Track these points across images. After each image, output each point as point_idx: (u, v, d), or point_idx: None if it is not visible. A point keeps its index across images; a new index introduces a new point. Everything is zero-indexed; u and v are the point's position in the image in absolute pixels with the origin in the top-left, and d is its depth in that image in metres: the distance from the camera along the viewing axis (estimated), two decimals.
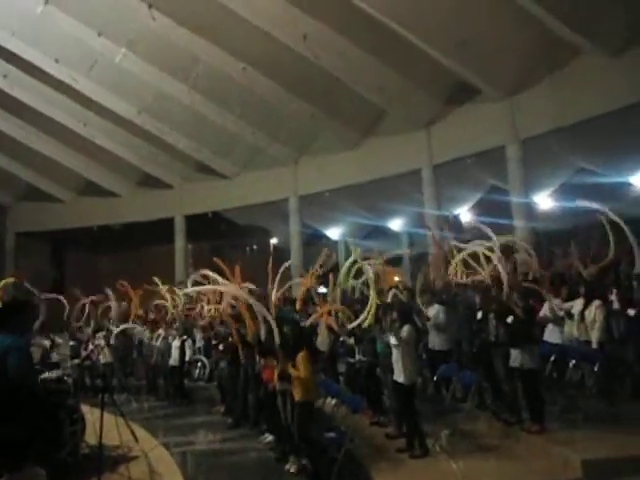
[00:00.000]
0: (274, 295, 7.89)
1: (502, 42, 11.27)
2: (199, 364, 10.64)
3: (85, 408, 6.53)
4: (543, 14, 10.06)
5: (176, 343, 9.47)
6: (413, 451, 5.57)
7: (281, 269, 8.68)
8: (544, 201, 14.20)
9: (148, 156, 17.54)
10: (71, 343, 11.53)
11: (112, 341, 10.24)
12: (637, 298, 6.24)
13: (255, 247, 18.65)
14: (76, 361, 10.03)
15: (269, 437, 6.70)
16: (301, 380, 5.33)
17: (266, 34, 12.23)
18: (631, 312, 6.29)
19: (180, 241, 18.40)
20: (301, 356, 5.40)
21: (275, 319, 6.07)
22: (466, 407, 6.04)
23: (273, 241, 19.33)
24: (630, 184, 12.47)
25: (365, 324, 6.41)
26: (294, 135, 16.10)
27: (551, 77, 11.59)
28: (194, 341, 10.51)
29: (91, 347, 10.39)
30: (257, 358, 6.54)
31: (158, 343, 9.86)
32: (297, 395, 5.38)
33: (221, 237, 18.32)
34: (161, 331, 9.88)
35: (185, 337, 9.68)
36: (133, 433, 5.91)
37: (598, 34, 10.37)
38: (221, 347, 8.32)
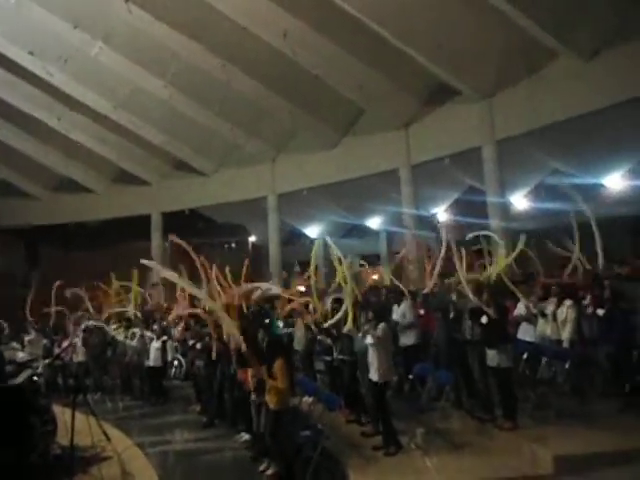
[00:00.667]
0: (255, 294, 7.84)
1: (480, 44, 11.41)
2: (175, 363, 10.54)
3: (57, 408, 6.41)
4: (521, 18, 10.20)
5: (156, 344, 9.36)
6: (388, 449, 5.61)
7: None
8: (519, 201, 14.47)
9: (124, 152, 17.29)
10: (44, 342, 11.29)
11: (80, 340, 10.08)
12: (607, 298, 6.37)
13: (233, 245, 18.52)
14: (47, 361, 9.81)
15: (245, 436, 6.68)
16: (277, 389, 5.31)
17: (246, 30, 12.15)
18: (600, 312, 6.43)
19: (157, 239, 18.17)
20: (278, 365, 5.37)
21: (251, 321, 6.03)
22: (441, 405, 6.09)
23: (251, 239, 19.29)
24: (603, 185, 12.77)
25: (346, 326, 6.41)
26: (273, 132, 16.05)
27: (527, 79, 11.77)
28: (172, 342, 10.40)
29: (64, 345, 10.20)
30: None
31: (134, 342, 9.72)
32: (271, 403, 5.36)
33: (199, 235, 18.13)
34: (137, 330, 9.74)
35: (165, 337, 9.58)
36: (105, 433, 5.82)
37: (573, 38, 10.57)
38: (199, 346, 8.25)
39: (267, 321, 7.99)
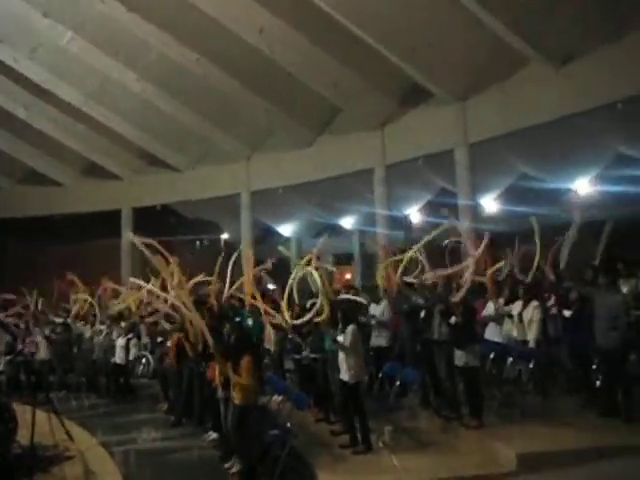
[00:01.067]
0: (225, 292, 7.78)
1: (454, 48, 11.53)
2: (143, 360, 10.37)
3: (19, 407, 6.24)
4: (494, 23, 10.35)
5: (121, 342, 9.20)
6: (356, 447, 5.64)
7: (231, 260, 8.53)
8: (490, 204, 14.70)
9: (95, 145, 16.90)
10: (7, 338, 10.97)
11: (42, 337, 9.84)
12: (573, 300, 6.53)
13: (205, 242, 18.32)
14: (8, 357, 9.55)
15: (213, 435, 6.63)
16: (242, 385, 5.27)
17: (221, 25, 12.02)
18: (567, 313, 6.58)
19: (127, 234, 17.83)
20: (245, 361, 5.33)
21: (219, 318, 5.98)
22: (408, 404, 6.15)
23: (224, 236, 19.10)
24: (571, 190, 13.06)
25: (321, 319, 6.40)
26: (248, 130, 15.93)
27: (500, 84, 11.95)
28: (139, 337, 10.24)
29: (27, 341, 9.93)
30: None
31: (100, 339, 9.55)
32: (237, 399, 5.32)
33: (170, 231, 17.89)
34: (103, 327, 9.56)
35: (130, 335, 9.42)
36: (68, 432, 5.70)
37: (545, 45, 10.78)
38: (169, 344, 8.13)
39: (237, 319, 7.94)
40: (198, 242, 18.26)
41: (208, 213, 18.60)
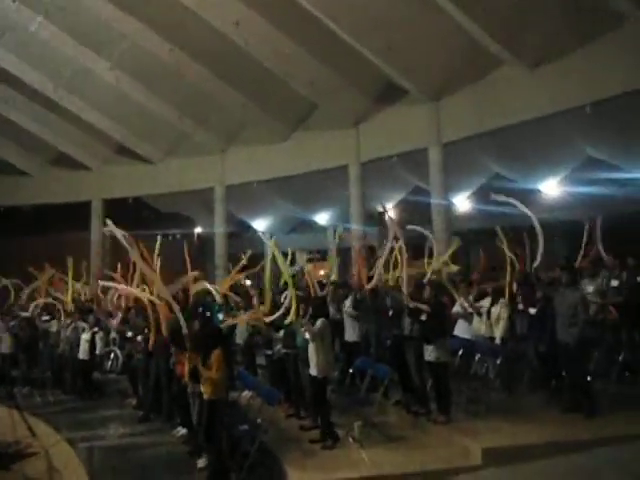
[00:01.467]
0: (196, 287, 7.69)
1: (429, 47, 11.63)
2: (112, 356, 10.19)
3: None
4: (470, 24, 10.48)
5: (86, 336, 9.00)
6: (325, 442, 5.66)
7: None
8: (462, 203, 14.92)
9: (64, 134, 16.49)
10: None
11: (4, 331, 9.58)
12: (538, 298, 6.68)
13: (178, 236, 18.10)
14: None
15: (182, 430, 6.56)
16: (212, 379, 5.24)
17: (197, 16, 11.86)
18: (532, 311, 6.73)
19: (96, 227, 17.47)
20: (215, 355, 5.29)
21: (191, 313, 5.92)
22: (378, 399, 6.20)
23: (197, 230, 18.91)
24: (540, 191, 13.36)
25: (288, 319, 6.40)
26: (222, 123, 15.78)
27: (474, 84, 12.12)
28: (108, 332, 10.05)
29: None
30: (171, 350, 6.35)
31: (67, 333, 9.32)
32: (206, 393, 5.28)
33: (142, 225, 17.58)
34: (69, 321, 9.34)
35: (96, 329, 9.22)
36: (30, 428, 5.56)
37: (519, 47, 10.97)
38: (139, 338, 8.00)
39: (207, 314, 7.86)
40: (170, 236, 17.98)
41: (181, 207, 18.39)
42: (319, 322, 5.81)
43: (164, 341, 6.62)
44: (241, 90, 14.00)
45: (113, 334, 9.96)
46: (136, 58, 13.43)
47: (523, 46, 10.97)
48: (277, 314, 6.66)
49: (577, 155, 12.26)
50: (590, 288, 6.63)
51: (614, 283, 6.55)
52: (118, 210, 17.25)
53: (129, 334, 8.37)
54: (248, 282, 11.43)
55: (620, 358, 6.29)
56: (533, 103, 11.09)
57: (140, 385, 7.98)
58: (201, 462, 5.55)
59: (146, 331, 7.38)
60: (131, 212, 17.42)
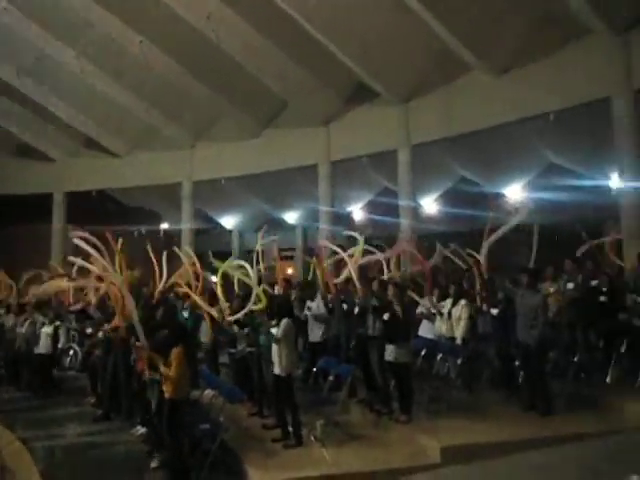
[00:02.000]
0: (161, 284, 7.56)
1: (401, 50, 11.75)
2: (71, 352, 9.92)
3: None
4: (440, 29, 10.64)
5: (47, 329, 8.72)
6: (287, 441, 5.65)
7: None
8: (429, 205, 15.13)
9: (27, 124, 15.97)
10: None
11: None
12: (499, 300, 6.84)
13: (143, 231, 17.75)
14: None
15: (141, 429, 6.45)
16: (173, 378, 5.15)
17: (168, 8, 11.66)
18: (494, 311, 6.88)
19: (58, 221, 16.98)
20: (175, 353, 5.21)
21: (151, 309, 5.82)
22: (341, 398, 6.23)
23: (164, 226, 18.59)
24: (504, 195, 13.65)
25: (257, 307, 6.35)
26: (192, 117, 15.57)
27: (443, 88, 12.30)
28: (68, 329, 9.79)
29: None
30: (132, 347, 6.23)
31: (24, 329, 9.02)
32: (167, 392, 5.20)
33: (106, 219, 17.17)
34: (26, 315, 9.04)
35: (58, 323, 8.95)
36: None
37: (487, 54, 11.19)
38: (100, 335, 7.81)
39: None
40: (136, 231, 17.62)
41: (148, 201, 18.05)
42: (283, 322, 5.79)
43: (123, 336, 6.49)
44: (212, 85, 13.83)
45: (73, 326, 9.69)
46: (104, 48, 13.12)
47: (491, 53, 11.21)
48: (240, 314, 6.62)
49: (540, 161, 12.58)
50: (551, 290, 6.81)
51: (570, 286, 6.77)
52: (82, 203, 16.84)
53: (89, 330, 8.16)
54: (214, 279, 11.32)
55: (576, 359, 6.49)
56: (499, 109, 11.33)
57: (99, 383, 7.80)
58: (154, 462, 5.46)
59: (106, 327, 7.21)
60: (95, 206, 17.01)
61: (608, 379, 6.67)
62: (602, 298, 7.24)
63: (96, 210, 16.80)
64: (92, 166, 16.85)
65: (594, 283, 7.04)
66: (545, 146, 11.97)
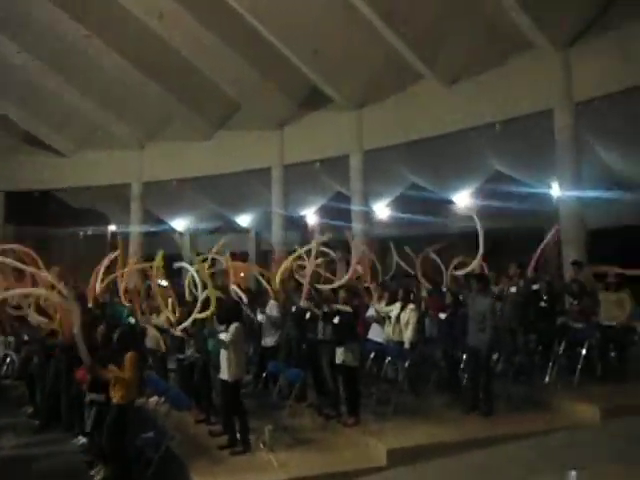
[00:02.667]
0: (98, 287, 7.29)
1: (355, 56, 11.91)
2: (7, 360, 9.42)
3: None
4: (393, 38, 10.85)
5: None
6: (234, 448, 5.58)
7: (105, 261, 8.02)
8: (381, 210, 15.34)
9: None
10: None
11: None
12: (448, 304, 7.01)
13: (90, 233, 17.16)
14: None
15: (82, 439, 6.20)
16: (124, 382, 5.00)
17: (117, 5, 11.37)
18: (442, 315, 7.04)
19: None
20: (129, 357, 5.08)
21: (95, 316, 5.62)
22: (289, 403, 6.21)
23: (112, 228, 18.04)
24: (452, 202, 14.02)
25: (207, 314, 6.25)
26: (142, 117, 15.21)
27: (395, 96, 12.56)
28: (6, 335, 9.30)
29: None
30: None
31: None
32: (116, 398, 5.03)
33: (50, 220, 16.50)
34: None
35: None
36: None
37: (437, 63, 11.50)
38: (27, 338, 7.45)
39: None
40: (82, 233, 17.01)
41: (95, 203, 17.46)
42: (233, 326, 5.71)
43: (65, 344, 6.24)
44: (163, 85, 13.57)
45: (10, 337, 9.22)
46: (47, 42, 12.63)
47: (441, 63, 11.52)
48: (188, 321, 6.50)
49: (487, 169, 13.01)
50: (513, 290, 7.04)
51: (512, 290, 7.02)
52: (23, 204, 16.11)
53: (25, 337, 7.79)
54: (164, 283, 11.05)
55: (516, 361, 6.73)
56: (449, 118, 11.65)
57: (38, 392, 7.45)
58: (96, 474, 5.27)
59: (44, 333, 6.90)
60: (38, 207, 16.31)
61: (547, 379, 6.95)
62: (542, 303, 7.56)
63: (39, 211, 16.11)
64: (34, 165, 16.18)
65: (535, 287, 7.32)
66: (492, 155, 12.39)
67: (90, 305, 7.31)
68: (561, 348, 7.04)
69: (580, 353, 6.87)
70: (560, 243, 9.48)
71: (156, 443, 5.21)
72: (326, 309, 6.39)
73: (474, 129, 11.49)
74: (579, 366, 6.81)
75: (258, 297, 8.12)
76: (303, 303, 6.58)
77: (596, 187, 11.73)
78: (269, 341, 7.45)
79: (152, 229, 16.76)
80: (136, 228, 15.70)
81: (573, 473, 5.14)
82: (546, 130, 10.36)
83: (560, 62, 10.27)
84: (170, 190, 15.78)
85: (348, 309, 6.10)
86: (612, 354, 7.03)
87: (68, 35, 12.35)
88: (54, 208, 17.00)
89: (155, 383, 6.71)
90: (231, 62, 12.53)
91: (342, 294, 6.42)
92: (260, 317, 7.48)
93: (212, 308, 6.23)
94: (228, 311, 5.89)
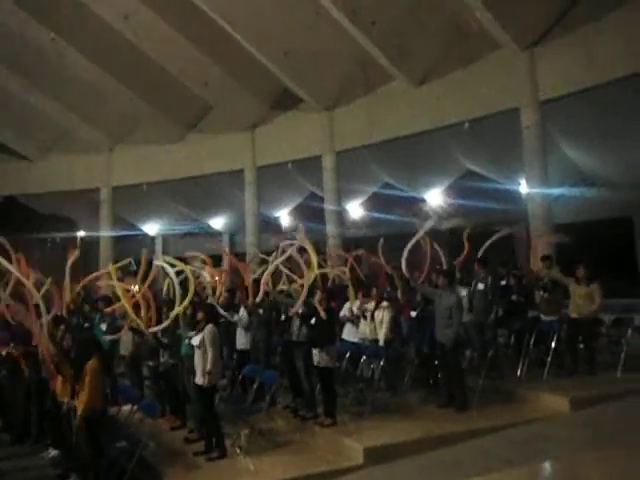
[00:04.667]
0: (67, 295, 7.12)
1: (325, 58, 11.94)
2: None
3: None
4: (363, 39, 10.90)
5: None
6: (210, 454, 5.51)
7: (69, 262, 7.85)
8: (355, 210, 15.42)
9: None
10: None
11: None
12: (418, 302, 7.08)
13: (58, 240, 16.75)
14: None
15: (53, 452, 6.04)
16: (87, 393, 4.88)
17: (83, 6, 11.15)
18: (413, 313, 7.10)
19: None
20: (89, 366, 4.95)
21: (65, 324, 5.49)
22: (265, 406, 6.17)
23: (80, 234, 17.64)
24: (424, 200, 14.19)
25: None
26: (110, 120, 14.93)
27: (366, 97, 12.63)
28: None
29: None
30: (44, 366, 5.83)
31: None
32: (81, 409, 4.91)
33: (17, 227, 16.03)
34: None
35: None
36: None
37: (406, 64, 11.62)
38: (3, 353, 7.23)
39: (86, 324, 7.36)
40: (49, 240, 16.59)
41: (62, 208, 17.07)
42: (207, 328, 5.64)
43: (36, 354, 6.07)
44: (131, 86, 13.37)
45: None
46: (11, 44, 12.30)
47: (410, 63, 11.64)
48: (162, 325, 6.40)
49: (457, 167, 13.20)
50: (463, 292, 7.11)
51: (480, 287, 7.12)
52: None
53: None
54: (136, 288, 10.86)
55: (488, 355, 6.83)
56: (419, 117, 11.79)
57: (6, 404, 7.22)
58: None
59: (12, 344, 6.70)
60: (3, 213, 15.84)
61: (519, 373, 7.07)
62: (514, 297, 7.70)
63: (4, 218, 15.64)
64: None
65: (503, 283, 7.44)
66: (461, 153, 12.58)
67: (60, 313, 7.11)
68: (532, 342, 7.17)
69: (549, 346, 7.01)
70: (529, 239, 9.67)
71: (130, 452, 5.12)
72: (301, 310, 6.38)
73: (443, 128, 11.63)
74: (549, 359, 6.95)
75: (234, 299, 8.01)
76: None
77: (563, 183, 12.04)
78: (242, 344, 7.38)
79: (123, 233, 16.47)
80: (106, 233, 15.39)
81: (547, 464, 5.23)
82: (513, 129, 10.56)
83: (525, 61, 10.48)
84: (140, 194, 15.53)
85: (322, 313, 6.07)
86: (580, 346, 7.18)
87: (33, 37, 12.07)
88: (19, 214, 16.54)
89: (126, 392, 6.59)
90: (201, 64, 12.42)
91: (318, 295, 6.39)
92: (236, 318, 7.40)
93: (185, 303, 6.16)
94: (204, 312, 5.79)
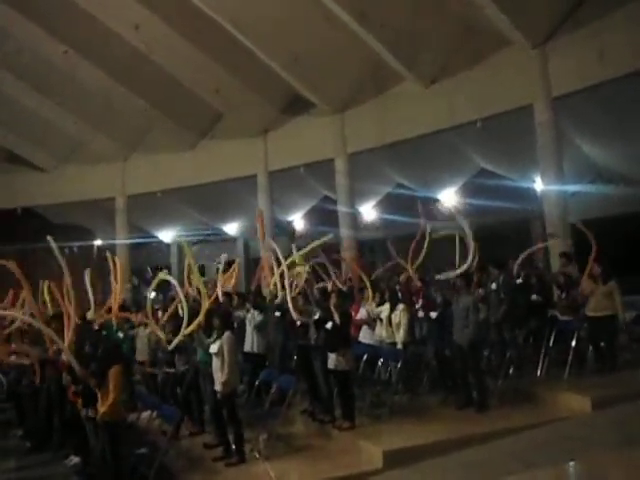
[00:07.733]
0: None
1: (335, 60, 11.93)
2: None
3: None
4: (372, 41, 10.89)
5: None
6: (229, 459, 5.52)
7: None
8: (368, 212, 15.38)
9: None
10: None
11: None
12: (439, 303, 7.02)
13: (75, 249, 16.95)
14: None
15: (75, 459, 6.10)
16: (111, 398, 4.92)
17: (93, 18, 11.30)
18: (433, 315, 7.04)
19: None
20: (112, 372, 4.99)
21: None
22: (283, 410, 6.16)
23: (97, 243, 17.85)
24: (438, 200, 14.10)
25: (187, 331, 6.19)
26: (123, 130, 15.08)
27: (376, 98, 12.60)
28: None
29: None
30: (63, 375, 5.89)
31: None
32: (104, 415, 4.94)
33: (33, 237, 16.24)
34: None
35: None
36: None
37: (416, 65, 11.56)
38: (26, 362, 7.31)
39: (104, 332, 7.41)
40: (67, 249, 16.77)
41: (78, 218, 17.27)
42: (225, 336, 5.65)
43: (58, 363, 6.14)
44: (144, 96, 13.50)
45: None
46: (24, 58, 12.51)
47: (420, 63, 11.58)
48: (179, 336, 6.41)
49: (471, 166, 13.10)
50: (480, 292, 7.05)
51: (493, 286, 7.05)
52: (5, 221, 15.87)
53: (13, 357, 7.64)
54: (153, 295, 10.95)
55: (507, 356, 6.76)
56: (430, 117, 11.71)
57: (27, 413, 7.32)
58: None
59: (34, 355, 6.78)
60: (20, 224, 16.08)
61: (539, 373, 6.98)
62: (534, 297, 7.56)
63: (21, 228, 15.88)
64: (16, 182, 15.97)
65: (519, 281, 7.35)
66: (474, 152, 12.48)
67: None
68: (551, 341, 7.08)
69: (570, 345, 6.91)
70: (545, 236, 9.55)
71: (150, 459, 5.15)
72: (318, 315, 6.37)
73: (456, 127, 11.55)
74: (569, 358, 6.85)
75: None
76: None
77: (579, 180, 11.88)
78: (257, 347, 7.34)
79: (138, 241, 16.62)
80: (122, 241, 15.54)
81: (571, 465, 5.15)
82: (527, 126, 10.45)
83: (537, 57, 10.37)
84: (155, 202, 15.67)
85: (337, 319, 6.04)
86: (602, 344, 7.07)
87: (46, 51, 12.26)
88: (36, 225, 16.76)
89: (144, 398, 6.64)
90: (211, 71, 12.49)
91: (334, 299, 6.37)
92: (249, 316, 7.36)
93: (200, 317, 6.17)
94: (220, 319, 5.80)
